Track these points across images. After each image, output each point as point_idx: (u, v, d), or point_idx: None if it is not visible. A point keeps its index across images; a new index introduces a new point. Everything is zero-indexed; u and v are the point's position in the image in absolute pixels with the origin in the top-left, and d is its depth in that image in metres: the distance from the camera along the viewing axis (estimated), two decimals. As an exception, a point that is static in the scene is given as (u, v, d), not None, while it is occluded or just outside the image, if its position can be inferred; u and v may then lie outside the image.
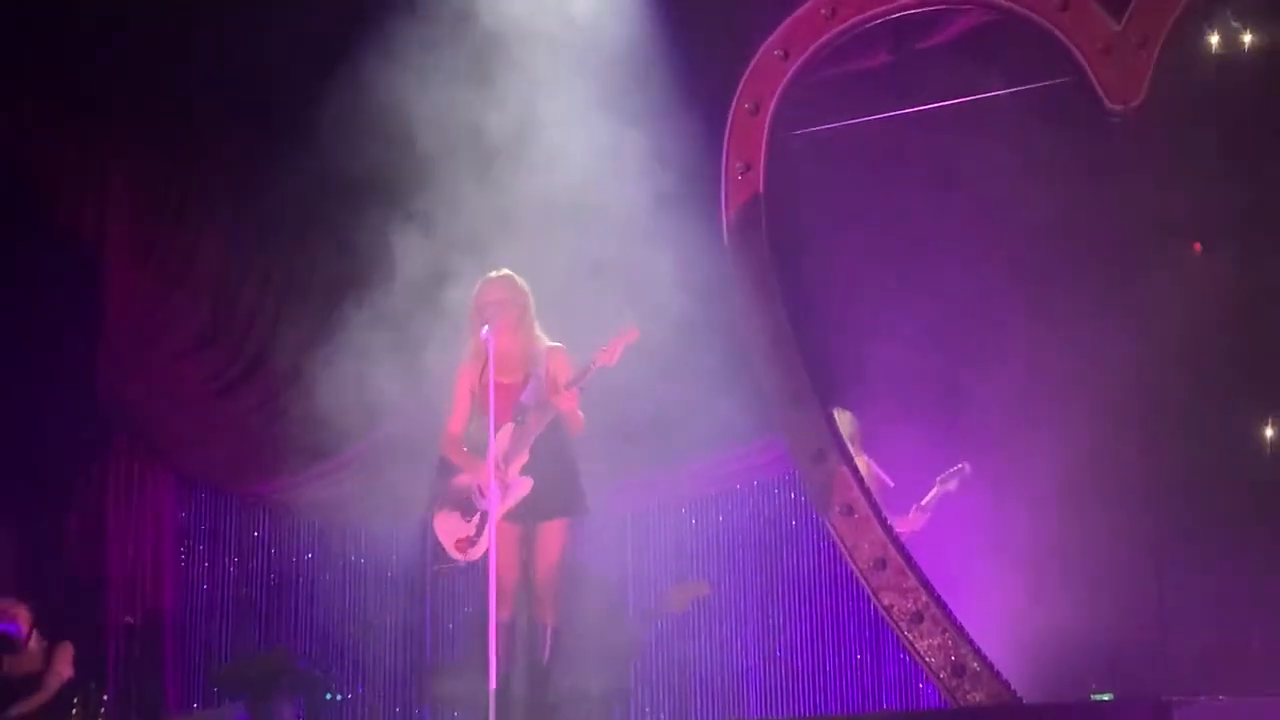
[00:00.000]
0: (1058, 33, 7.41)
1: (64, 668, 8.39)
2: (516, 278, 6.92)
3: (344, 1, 8.59)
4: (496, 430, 6.73)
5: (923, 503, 8.23)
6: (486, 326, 6.63)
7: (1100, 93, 7.34)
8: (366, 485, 8.99)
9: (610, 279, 7.77)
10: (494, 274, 6.93)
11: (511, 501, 6.75)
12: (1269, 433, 8.28)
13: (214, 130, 9.26)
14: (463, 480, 6.92)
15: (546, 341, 6.95)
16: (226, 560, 9.36)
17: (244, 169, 9.25)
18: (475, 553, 6.81)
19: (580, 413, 6.76)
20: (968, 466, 8.23)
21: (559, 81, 8.01)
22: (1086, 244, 8.23)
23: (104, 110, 9.16)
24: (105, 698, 8.59)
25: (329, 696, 8.72)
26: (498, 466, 6.70)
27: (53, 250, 8.97)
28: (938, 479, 8.26)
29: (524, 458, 6.78)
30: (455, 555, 6.89)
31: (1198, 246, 8.46)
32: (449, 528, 6.93)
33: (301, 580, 9.29)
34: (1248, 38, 8.11)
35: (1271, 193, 7.99)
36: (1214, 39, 8.11)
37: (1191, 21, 7.71)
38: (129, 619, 8.95)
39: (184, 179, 9.31)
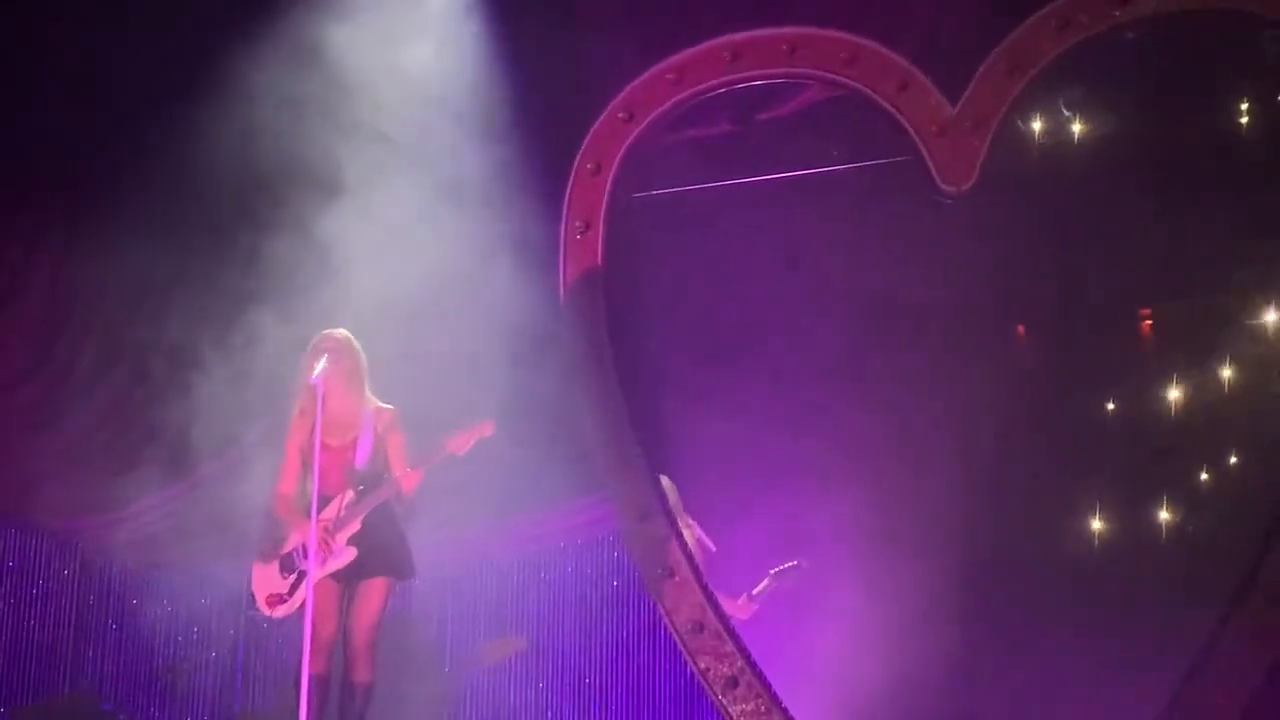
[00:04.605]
0: (895, 112, 7.57)
1: None
2: (352, 338, 6.91)
3: (192, 35, 8.45)
4: (336, 498, 6.72)
5: (754, 592, 8.21)
6: (318, 367, 6.56)
7: (934, 173, 7.51)
8: (185, 525, 8.80)
9: (445, 332, 7.77)
10: (330, 330, 6.90)
11: (333, 568, 6.71)
12: (1090, 521, 8.48)
13: (47, 148, 9.00)
14: (286, 536, 6.87)
15: (376, 403, 6.92)
16: (33, 600, 9.07)
17: (77, 190, 9.00)
18: (283, 611, 6.80)
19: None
20: (804, 563, 8.19)
21: (400, 128, 8.01)
22: (913, 321, 8.38)
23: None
24: (-104, 741, 8.31)
25: (133, 743, 8.52)
26: (325, 530, 6.64)
27: None
28: (771, 571, 8.21)
29: (355, 527, 6.75)
30: (264, 609, 6.87)
31: (1021, 330, 8.68)
32: (264, 581, 6.89)
33: (110, 622, 9.03)
34: (1077, 127, 8.33)
35: (1094, 280, 8.22)
36: (1044, 126, 8.31)
37: (1025, 109, 7.92)
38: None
39: (13, 200, 9.05)
